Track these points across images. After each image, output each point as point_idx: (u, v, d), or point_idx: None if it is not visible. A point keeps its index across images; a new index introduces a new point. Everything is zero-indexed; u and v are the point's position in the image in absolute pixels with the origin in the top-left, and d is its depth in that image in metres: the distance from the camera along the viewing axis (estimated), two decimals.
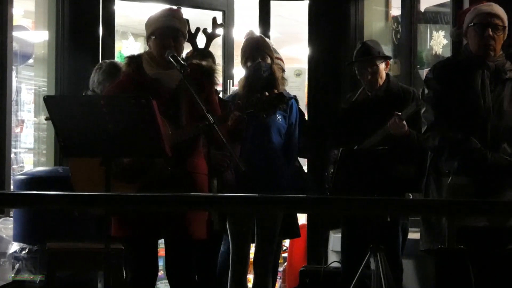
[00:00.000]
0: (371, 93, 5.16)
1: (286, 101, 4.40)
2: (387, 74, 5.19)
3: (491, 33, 4.36)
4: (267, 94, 4.17)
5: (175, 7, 4.41)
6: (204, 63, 4.39)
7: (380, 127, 4.94)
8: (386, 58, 5.22)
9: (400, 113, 4.87)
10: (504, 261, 4.27)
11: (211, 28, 5.50)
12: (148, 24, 4.29)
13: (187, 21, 4.46)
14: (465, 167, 4.29)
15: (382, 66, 5.15)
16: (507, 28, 4.44)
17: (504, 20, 4.42)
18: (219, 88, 6.92)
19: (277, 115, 5.11)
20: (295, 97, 5.39)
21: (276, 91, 4.41)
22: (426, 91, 4.49)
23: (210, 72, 4.33)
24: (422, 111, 4.51)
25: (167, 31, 4.21)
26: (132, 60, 4.31)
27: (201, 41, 5.43)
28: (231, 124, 4.20)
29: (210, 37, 5.45)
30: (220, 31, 5.64)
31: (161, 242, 4.44)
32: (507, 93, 4.37)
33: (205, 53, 5.20)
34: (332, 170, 4.98)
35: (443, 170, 4.35)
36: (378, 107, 5.06)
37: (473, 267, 4.15)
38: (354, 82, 6.58)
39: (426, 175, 4.50)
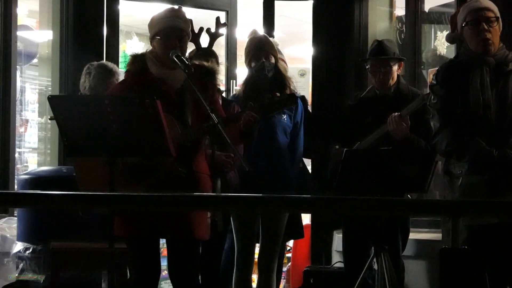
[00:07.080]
0: (380, 92, 5.16)
1: (296, 101, 4.40)
2: (398, 76, 5.19)
3: (485, 26, 4.33)
4: (278, 94, 4.16)
5: (176, 7, 4.41)
6: (206, 63, 4.39)
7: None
8: (400, 60, 5.23)
9: (398, 113, 4.86)
10: None
11: (214, 27, 5.51)
12: (152, 25, 4.29)
13: (191, 20, 4.45)
14: (475, 168, 4.26)
15: (395, 67, 5.16)
16: (500, 18, 4.39)
17: (495, 11, 4.39)
18: (222, 88, 6.92)
19: (283, 115, 5.11)
20: (303, 97, 5.38)
21: (288, 90, 4.37)
22: (432, 97, 4.47)
23: (212, 73, 4.33)
24: (430, 117, 4.49)
25: (172, 32, 4.21)
26: (136, 59, 4.31)
27: (204, 40, 5.43)
28: (243, 124, 4.20)
29: (213, 37, 5.46)
30: (223, 30, 5.64)
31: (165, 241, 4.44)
32: (511, 85, 4.33)
33: (209, 53, 5.20)
34: (333, 166, 4.98)
35: (455, 172, 4.33)
36: (385, 106, 5.04)
37: (490, 266, 4.14)
38: (358, 81, 6.58)
39: (442, 176, 4.47)
